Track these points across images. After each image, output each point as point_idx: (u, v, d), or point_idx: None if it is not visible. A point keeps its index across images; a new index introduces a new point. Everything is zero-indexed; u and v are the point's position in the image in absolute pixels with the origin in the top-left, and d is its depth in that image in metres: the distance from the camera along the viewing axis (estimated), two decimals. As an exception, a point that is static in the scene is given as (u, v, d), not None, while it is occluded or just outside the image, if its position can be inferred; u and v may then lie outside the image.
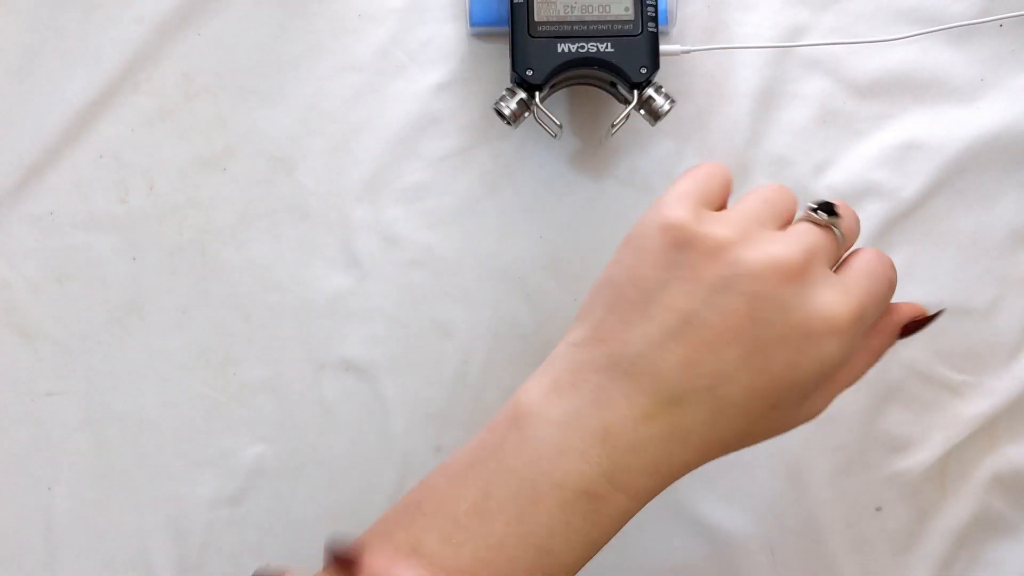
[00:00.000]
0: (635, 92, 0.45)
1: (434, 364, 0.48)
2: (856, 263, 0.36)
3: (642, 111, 0.45)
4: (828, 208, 0.35)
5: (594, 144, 0.49)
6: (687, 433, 0.33)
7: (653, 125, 0.46)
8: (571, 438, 0.33)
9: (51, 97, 0.48)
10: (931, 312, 0.39)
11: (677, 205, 0.34)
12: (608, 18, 0.44)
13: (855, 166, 0.49)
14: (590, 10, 0.44)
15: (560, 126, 0.46)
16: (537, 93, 0.45)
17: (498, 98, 0.45)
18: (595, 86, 0.47)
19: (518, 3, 0.44)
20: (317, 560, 0.48)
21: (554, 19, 0.44)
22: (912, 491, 0.49)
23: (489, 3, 0.47)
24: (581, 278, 0.49)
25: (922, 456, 0.48)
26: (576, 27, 0.44)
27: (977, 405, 0.49)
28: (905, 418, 0.49)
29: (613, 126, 0.46)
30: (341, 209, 0.48)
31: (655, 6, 0.44)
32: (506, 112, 0.45)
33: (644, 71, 0.44)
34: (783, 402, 0.34)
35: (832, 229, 0.35)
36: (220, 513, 0.48)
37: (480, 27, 0.48)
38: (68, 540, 0.48)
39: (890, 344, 0.38)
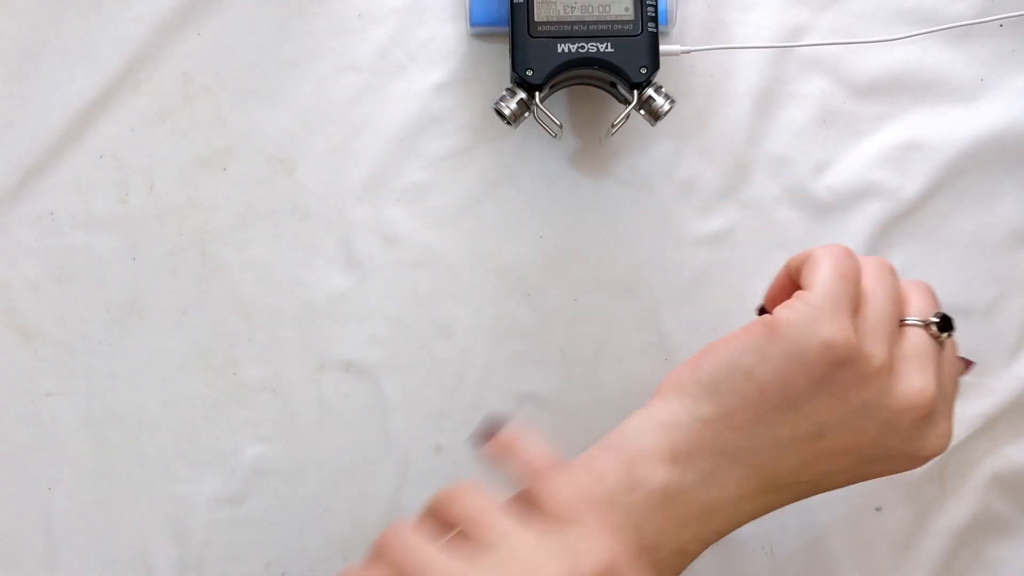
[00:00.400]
0: (635, 92, 0.45)
1: (434, 364, 0.48)
2: (952, 370, 0.39)
3: (642, 111, 0.45)
4: (948, 325, 0.38)
5: (594, 144, 0.49)
6: (772, 507, 0.38)
7: (653, 125, 0.46)
8: (672, 509, 0.36)
9: (51, 97, 0.48)
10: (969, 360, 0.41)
11: (837, 319, 0.35)
12: (608, 18, 0.44)
13: (855, 166, 0.49)
14: (590, 10, 0.44)
15: (560, 126, 0.46)
16: (537, 93, 0.44)
17: (498, 98, 0.45)
18: (595, 86, 0.47)
19: (518, 3, 0.44)
20: (318, 560, 0.48)
21: (554, 19, 0.44)
22: (912, 491, 0.49)
23: (489, 3, 0.47)
24: (581, 278, 0.49)
25: (922, 456, 0.49)
26: (576, 27, 0.44)
27: (977, 405, 0.49)
28: (905, 418, 0.49)
29: (613, 126, 0.46)
30: (341, 209, 0.48)
31: (655, 6, 0.44)
32: (506, 112, 0.45)
33: (644, 71, 0.44)
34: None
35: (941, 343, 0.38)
36: (220, 513, 0.48)
37: (480, 27, 0.48)
38: (68, 540, 0.48)
39: None
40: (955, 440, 0.48)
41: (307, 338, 0.48)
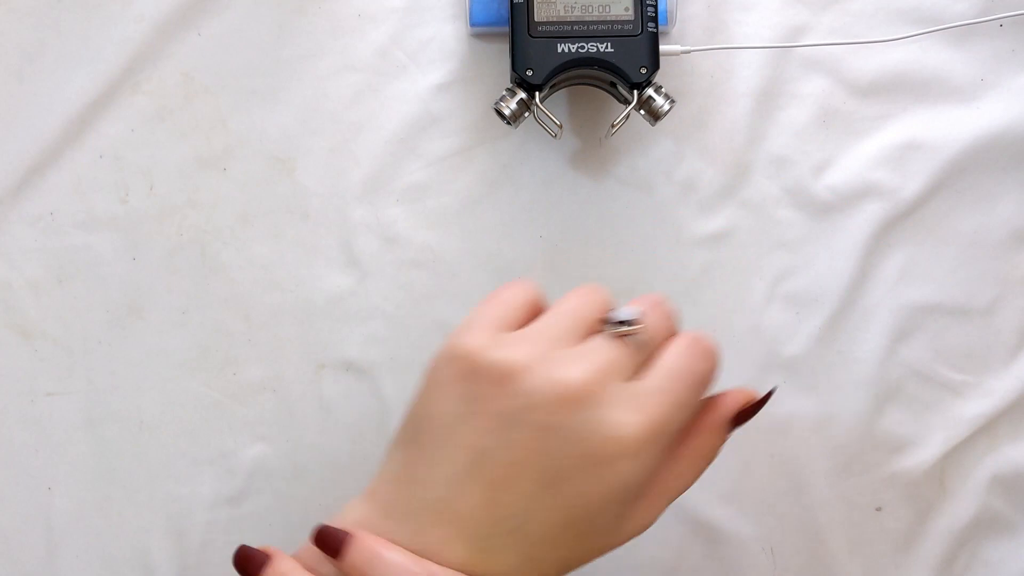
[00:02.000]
0: (635, 92, 0.45)
1: (434, 364, 0.48)
2: (659, 365, 0.33)
3: (642, 111, 0.45)
4: (624, 320, 0.33)
5: (594, 144, 0.49)
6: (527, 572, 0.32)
7: (653, 125, 0.46)
8: None
9: (51, 97, 0.48)
10: (761, 395, 0.36)
11: (468, 332, 0.33)
12: (608, 18, 0.44)
13: (855, 166, 0.49)
14: (590, 10, 0.44)
15: (560, 126, 0.46)
16: (537, 93, 0.45)
17: (498, 98, 0.45)
18: (595, 86, 0.47)
19: (518, 3, 0.44)
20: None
21: (554, 19, 0.44)
22: (912, 491, 0.49)
23: (489, 3, 0.47)
24: (581, 278, 0.49)
25: (922, 456, 0.49)
26: (576, 27, 0.44)
27: (977, 405, 0.49)
28: (905, 418, 0.49)
29: (613, 126, 0.46)
30: (341, 209, 0.48)
31: (655, 6, 0.44)
32: (506, 112, 0.45)
33: (644, 71, 0.44)
34: (593, 529, 0.32)
35: (630, 338, 0.33)
36: (220, 513, 0.48)
37: (480, 27, 0.48)
38: (68, 540, 0.48)
39: (721, 441, 0.36)
40: (955, 440, 0.49)
41: (307, 338, 0.48)
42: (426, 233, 0.49)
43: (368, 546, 0.32)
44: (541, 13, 0.44)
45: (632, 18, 0.44)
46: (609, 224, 0.49)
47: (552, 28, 0.44)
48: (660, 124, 0.46)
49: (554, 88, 0.46)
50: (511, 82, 0.45)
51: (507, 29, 0.45)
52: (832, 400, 0.49)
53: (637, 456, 0.32)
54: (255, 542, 0.48)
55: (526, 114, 0.45)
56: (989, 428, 0.49)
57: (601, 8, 0.44)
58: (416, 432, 0.34)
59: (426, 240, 0.48)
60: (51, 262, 0.48)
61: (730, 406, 0.35)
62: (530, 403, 0.31)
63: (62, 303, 0.48)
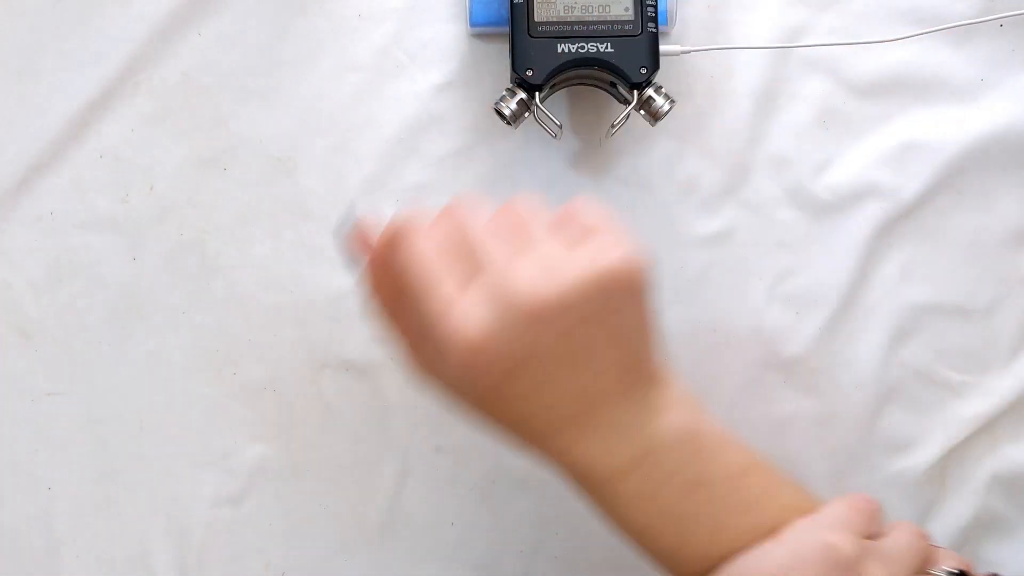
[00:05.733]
0: (635, 92, 0.45)
1: (434, 364, 0.48)
2: None
3: (642, 111, 0.45)
4: None
5: (594, 144, 0.49)
6: None
7: (653, 125, 0.46)
8: None
9: (51, 97, 0.48)
10: None
11: (842, 532, 0.36)
12: (608, 18, 0.44)
13: (855, 166, 0.49)
14: (590, 10, 0.44)
15: (560, 126, 0.46)
16: (537, 93, 0.45)
17: (498, 98, 0.45)
18: (595, 86, 0.47)
19: (518, 3, 0.44)
20: (318, 560, 0.48)
21: (554, 19, 0.44)
22: (912, 491, 0.49)
23: (489, 3, 0.47)
24: (581, 278, 0.49)
25: (922, 456, 0.49)
26: (576, 27, 0.44)
27: (977, 405, 0.49)
28: (905, 418, 0.49)
29: (613, 126, 0.46)
30: (341, 209, 0.48)
31: (655, 6, 0.44)
32: (506, 112, 0.45)
33: (644, 71, 0.44)
34: None
35: None
36: (220, 513, 0.48)
37: (480, 27, 0.48)
38: (68, 540, 0.48)
39: None
40: (955, 440, 0.49)
41: (307, 338, 0.48)
42: (426, 233, 0.48)
43: None
44: (541, 13, 0.44)
45: (632, 18, 0.44)
46: (609, 224, 0.49)
47: (552, 28, 0.44)
48: (660, 124, 0.46)
49: (554, 88, 0.46)
50: (511, 82, 0.45)
51: (507, 29, 0.45)
52: (832, 400, 0.49)
53: None
54: (255, 542, 0.48)
55: (526, 114, 0.45)
56: (989, 428, 0.49)
57: (601, 8, 0.44)
58: None
59: (426, 240, 0.48)
60: (51, 262, 0.48)
61: None
62: None
63: (62, 303, 0.48)
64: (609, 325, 0.35)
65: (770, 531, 0.37)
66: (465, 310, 0.33)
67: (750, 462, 0.38)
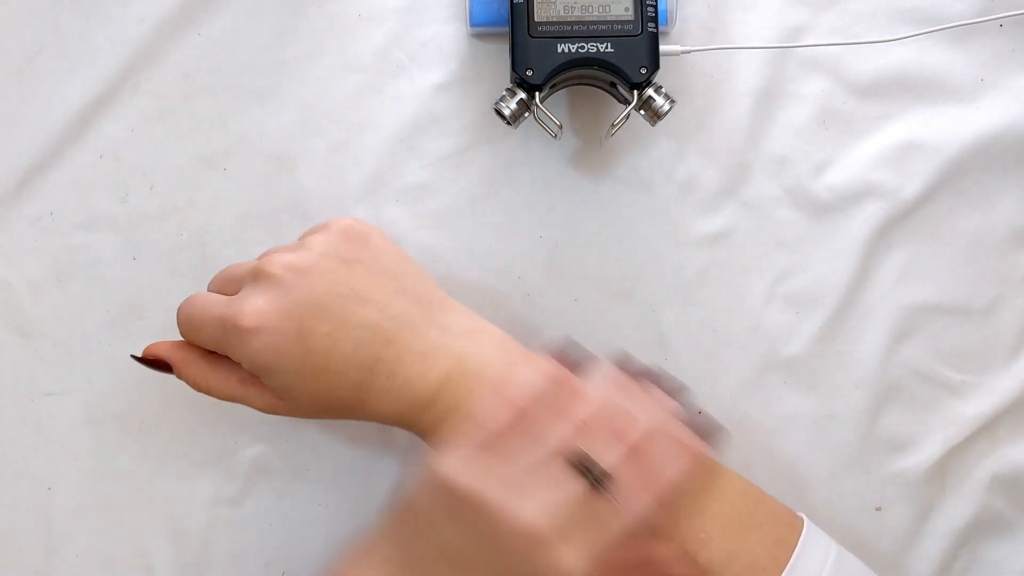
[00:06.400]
0: (635, 92, 0.45)
1: (434, 364, 0.48)
2: (616, 511, 0.36)
3: (642, 111, 0.45)
4: (597, 480, 0.36)
5: (594, 144, 0.49)
6: None
7: (653, 125, 0.46)
8: None
9: (51, 97, 0.48)
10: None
11: (454, 454, 0.37)
12: (608, 18, 0.44)
13: (855, 166, 0.49)
14: (590, 10, 0.44)
15: (560, 126, 0.46)
16: (537, 93, 0.45)
17: (498, 98, 0.45)
18: (595, 86, 0.47)
19: (518, 3, 0.44)
20: (318, 560, 0.48)
21: (554, 19, 0.44)
22: (912, 491, 0.49)
23: (489, 3, 0.47)
24: (581, 278, 0.49)
25: (922, 456, 0.49)
26: (576, 27, 0.44)
27: (977, 405, 0.49)
28: (905, 418, 0.49)
29: (613, 126, 0.46)
30: (341, 209, 0.48)
31: (655, 6, 0.44)
32: (506, 112, 0.45)
33: (644, 71, 0.44)
34: None
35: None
36: (220, 513, 0.48)
37: (480, 27, 0.48)
38: (68, 540, 0.48)
39: None
40: (955, 440, 0.49)
41: (307, 338, 0.48)
42: (426, 233, 0.48)
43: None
44: (541, 13, 0.44)
45: (632, 18, 0.44)
46: (609, 224, 0.49)
47: (552, 28, 0.44)
48: (660, 124, 0.46)
49: (554, 88, 0.46)
50: (511, 82, 0.45)
51: (507, 29, 0.45)
52: (832, 400, 0.49)
53: None
54: (255, 542, 0.48)
55: (526, 114, 0.45)
56: (989, 428, 0.49)
57: (601, 8, 0.44)
58: (407, 516, 0.38)
59: (426, 240, 0.48)
60: (51, 262, 0.48)
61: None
62: (497, 528, 0.35)
63: (62, 303, 0.48)
64: (366, 265, 0.40)
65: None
66: (242, 298, 0.39)
67: (557, 368, 0.39)
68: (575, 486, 0.36)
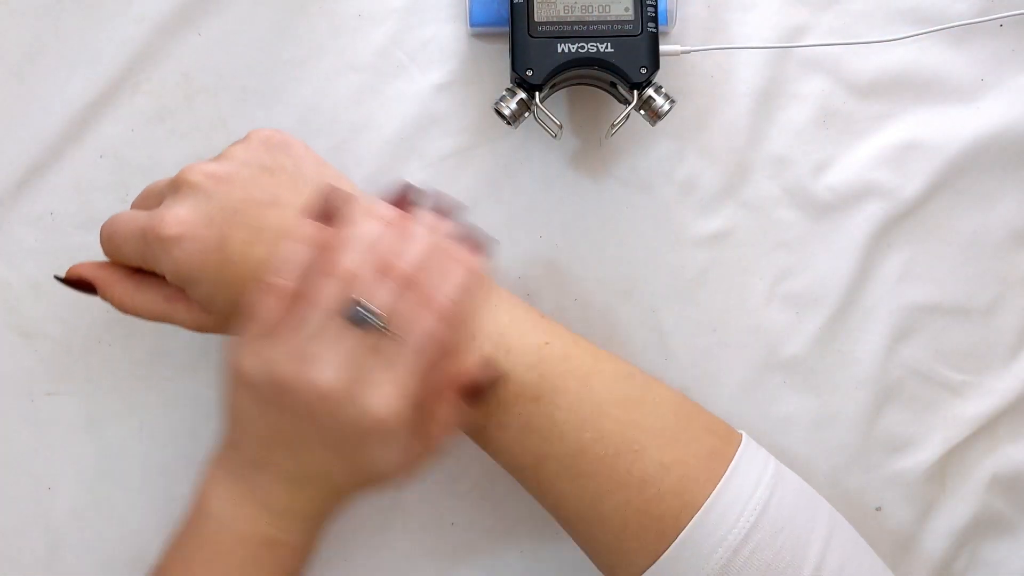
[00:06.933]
0: (635, 92, 0.45)
1: (434, 364, 0.48)
2: (410, 338, 0.37)
3: (642, 111, 0.45)
4: (357, 316, 0.36)
5: (594, 144, 0.49)
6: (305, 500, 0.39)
7: (653, 125, 0.46)
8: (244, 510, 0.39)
9: (51, 97, 0.48)
10: (482, 380, 0.39)
11: (240, 349, 0.38)
12: (608, 18, 0.44)
13: (855, 166, 0.49)
14: (590, 10, 0.44)
15: (560, 126, 0.46)
16: (537, 93, 0.45)
17: (498, 98, 0.45)
18: (595, 86, 0.47)
19: (518, 3, 0.44)
20: (317, 560, 0.48)
21: (554, 19, 0.44)
22: (912, 491, 0.49)
23: (489, 3, 0.47)
24: (581, 278, 0.49)
25: (922, 456, 0.49)
26: (576, 27, 0.44)
27: (977, 405, 0.49)
28: (905, 418, 0.49)
29: (613, 126, 0.46)
30: (341, 209, 0.48)
31: (655, 6, 0.44)
32: (506, 112, 0.45)
33: (644, 71, 0.44)
34: (376, 472, 0.38)
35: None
36: (220, 513, 0.48)
37: (480, 27, 0.48)
38: (68, 540, 0.48)
39: (461, 413, 0.39)
40: (955, 440, 0.49)
41: (307, 338, 0.48)
42: (426, 233, 0.48)
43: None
44: (541, 13, 0.44)
45: (632, 18, 0.44)
46: (609, 224, 0.49)
47: (552, 28, 0.44)
48: (660, 124, 0.46)
49: (554, 88, 0.46)
50: (511, 82, 0.45)
51: (507, 29, 0.45)
52: (832, 400, 0.49)
53: (397, 421, 0.36)
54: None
55: (526, 114, 0.45)
56: (989, 428, 0.49)
57: (601, 8, 0.44)
58: (232, 423, 0.39)
59: (426, 240, 0.48)
60: (51, 262, 0.48)
61: (462, 384, 0.39)
62: (301, 400, 0.36)
63: (62, 303, 0.48)
64: (288, 172, 0.41)
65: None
66: (163, 208, 0.39)
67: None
68: (355, 335, 0.36)
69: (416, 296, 0.36)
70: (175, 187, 0.40)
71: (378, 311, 0.35)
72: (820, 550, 0.38)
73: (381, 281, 0.36)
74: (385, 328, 0.36)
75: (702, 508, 0.38)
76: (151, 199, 0.42)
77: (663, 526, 0.38)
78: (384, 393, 0.35)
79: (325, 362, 0.35)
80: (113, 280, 0.42)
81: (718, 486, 0.38)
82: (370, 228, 0.37)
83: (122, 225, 0.41)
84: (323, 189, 0.38)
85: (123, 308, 0.42)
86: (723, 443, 0.40)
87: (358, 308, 0.35)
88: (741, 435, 0.42)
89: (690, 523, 0.38)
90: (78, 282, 0.43)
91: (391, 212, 0.38)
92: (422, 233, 0.37)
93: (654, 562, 0.38)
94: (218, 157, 0.41)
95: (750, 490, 0.39)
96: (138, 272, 0.42)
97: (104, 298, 0.42)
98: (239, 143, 0.41)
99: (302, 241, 0.37)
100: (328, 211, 0.38)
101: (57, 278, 0.43)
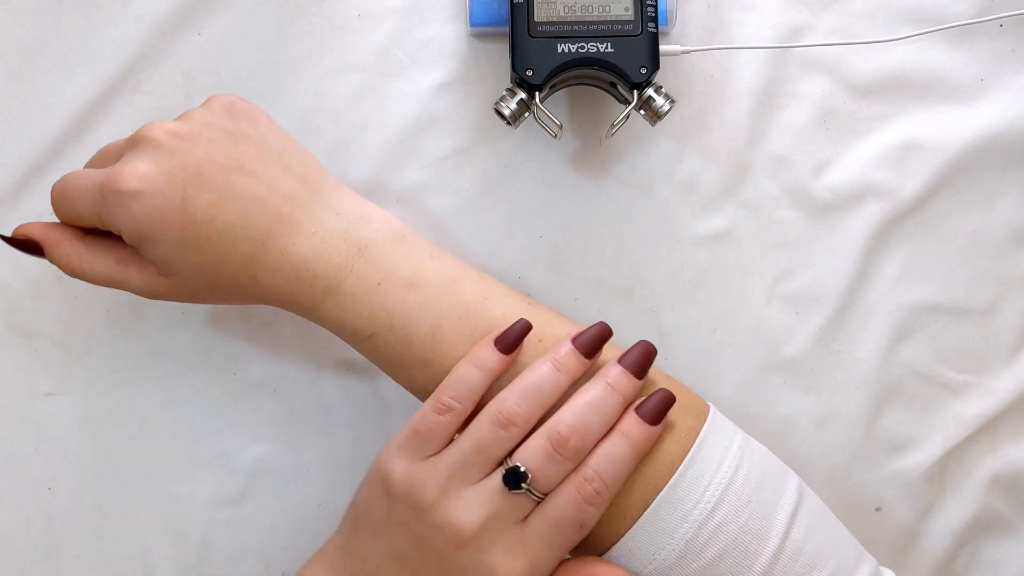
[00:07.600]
0: (635, 92, 0.45)
1: (434, 364, 0.48)
2: (545, 512, 0.38)
3: (642, 111, 0.45)
4: (514, 479, 0.37)
5: (594, 144, 0.49)
6: None
7: (653, 125, 0.46)
8: None
9: (51, 97, 0.48)
10: None
11: (396, 458, 0.39)
12: (608, 18, 0.44)
13: (855, 166, 0.49)
14: (590, 10, 0.44)
15: (560, 126, 0.46)
16: (537, 93, 0.44)
17: (498, 98, 0.45)
18: (595, 86, 0.47)
19: (518, 3, 0.44)
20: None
21: (554, 19, 0.44)
22: (912, 491, 0.49)
23: (489, 3, 0.47)
24: (581, 278, 0.49)
25: (922, 456, 0.49)
26: (576, 27, 0.44)
27: (977, 405, 0.49)
28: (905, 418, 0.49)
29: (613, 126, 0.46)
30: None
31: (655, 6, 0.44)
32: (506, 112, 0.45)
33: (644, 71, 0.44)
34: None
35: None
36: (220, 513, 0.48)
37: (480, 27, 0.48)
38: (68, 540, 0.48)
39: None
40: (955, 440, 0.49)
41: (307, 338, 0.48)
42: (426, 233, 0.48)
43: None
44: (541, 13, 0.44)
45: (632, 18, 0.44)
46: (609, 224, 0.49)
47: (552, 28, 0.44)
48: (660, 124, 0.46)
49: (554, 88, 0.46)
50: (511, 82, 0.45)
51: (507, 29, 0.45)
52: (832, 400, 0.49)
53: None
54: (255, 542, 0.48)
55: (526, 114, 0.45)
56: (989, 428, 0.49)
57: (601, 8, 0.44)
58: (357, 519, 0.40)
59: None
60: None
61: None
62: (433, 535, 0.37)
63: (62, 303, 0.48)
64: (252, 141, 0.40)
65: (485, 333, 0.39)
66: (122, 163, 0.38)
67: (465, 271, 0.41)
68: (506, 495, 0.37)
69: (577, 476, 0.37)
70: (134, 143, 0.39)
71: (535, 482, 0.37)
72: (786, 520, 0.38)
73: (550, 457, 0.37)
74: (539, 499, 0.37)
75: (667, 485, 0.38)
76: (108, 158, 0.41)
77: (628, 503, 0.38)
78: (514, 566, 0.37)
79: (472, 509, 0.37)
80: (62, 240, 0.41)
81: (684, 461, 0.38)
82: (547, 378, 0.38)
83: (77, 181, 0.39)
84: (519, 322, 0.39)
85: (71, 271, 0.41)
86: (695, 420, 0.40)
87: (518, 474, 0.37)
88: (709, 406, 0.41)
89: (655, 500, 0.38)
90: (24, 242, 0.41)
91: (575, 362, 0.39)
92: (600, 398, 0.38)
93: (618, 540, 0.38)
94: (179, 117, 0.40)
95: (716, 464, 0.38)
96: (89, 234, 0.41)
97: (51, 260, 0.41)
98: (200, 107, 0.41)
99: (480, 367, 0.38)
100: (511, 340, 0.39)
101: (2, 237, 0.41)
